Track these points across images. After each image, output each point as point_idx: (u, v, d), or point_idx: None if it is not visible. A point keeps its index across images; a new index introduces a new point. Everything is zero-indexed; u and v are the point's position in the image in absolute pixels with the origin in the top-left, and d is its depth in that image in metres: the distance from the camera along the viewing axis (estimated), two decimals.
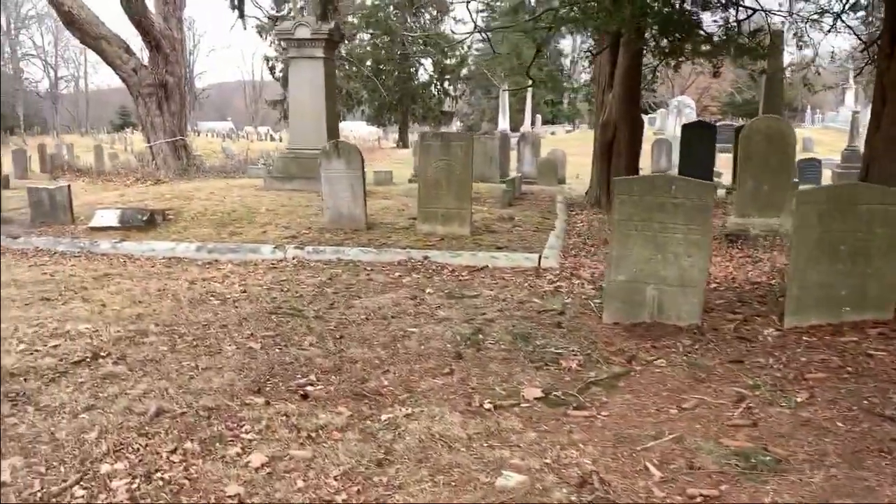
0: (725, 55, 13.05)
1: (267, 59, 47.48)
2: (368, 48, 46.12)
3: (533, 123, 39.87)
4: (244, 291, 6.42)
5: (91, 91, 74.86)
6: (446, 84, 56.72)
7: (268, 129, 71.60)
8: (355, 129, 53.53)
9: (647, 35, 11.62)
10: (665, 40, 12.01)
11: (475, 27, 13.68)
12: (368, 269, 7.47)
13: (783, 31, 15.45)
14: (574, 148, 24.29)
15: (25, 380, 4.13)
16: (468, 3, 14.05)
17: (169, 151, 20.28)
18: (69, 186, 9.42)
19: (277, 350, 4.65)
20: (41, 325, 5.26)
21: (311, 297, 6.22)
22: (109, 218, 9.02)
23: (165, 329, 5.15)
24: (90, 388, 4.02)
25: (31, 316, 5.51)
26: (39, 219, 9.31)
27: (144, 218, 9.01)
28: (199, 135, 47.83)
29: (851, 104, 45.26)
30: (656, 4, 10.18)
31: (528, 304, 5.91)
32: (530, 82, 15.20)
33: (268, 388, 4.01)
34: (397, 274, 7.24)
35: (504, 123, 33.87)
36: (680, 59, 13.38)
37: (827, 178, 18.19)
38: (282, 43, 15.03)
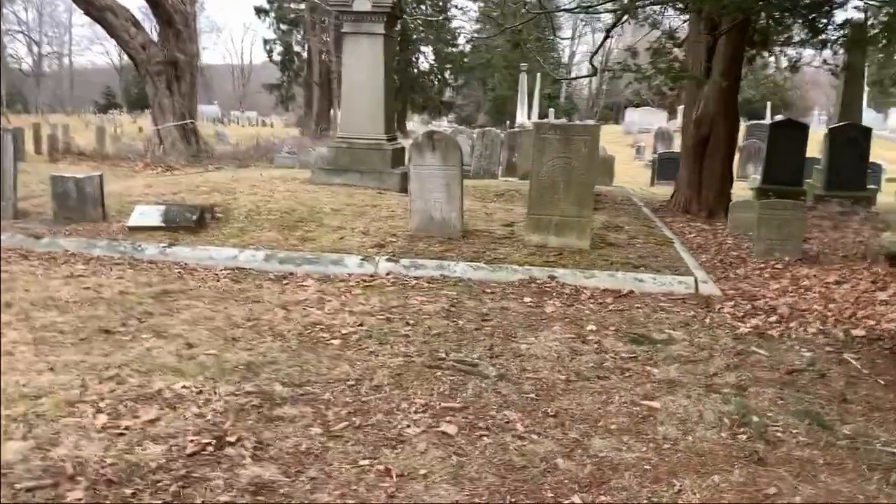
0: (821, 46, 11.70)
1: (265, 41, 45.64)
2: None
3: (545, 116, 38.26)
4: (360, 325, 4.93)
5: (74, 70, 72.42)
6: (447, 73, 55.26)
7: (255, 114, 69.71)
8: None
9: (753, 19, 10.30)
10: (768, 25, 10.71)
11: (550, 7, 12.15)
12: (488, 291, 6.03)
13: (866, 23, 14.15)
14: None
15: (135, 494, 2.64)
16: None
17: (178, 136, 18.71)
18: (101, 176, 7.84)
19: (487, 440, 3.19)
20: (118, 379, 3.76)
21: (453, 335, 4.76)
22: (152, 216, 7.48)
23: (297, 392, 3.67)
24: None
25: (97, 362, 4.00)
26: (64, 214, 7.73)
27: (195, 217, 7.48)
28: None
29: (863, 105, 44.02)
30: None
31: (754, 356, 4.49)
32: (594, 70, 13.75)
33: None
34: (527, 300, 5.81)
35: (522, 117, 32.26)
36: (769, 50, 12.10)
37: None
38: (336, 16, 13.47)
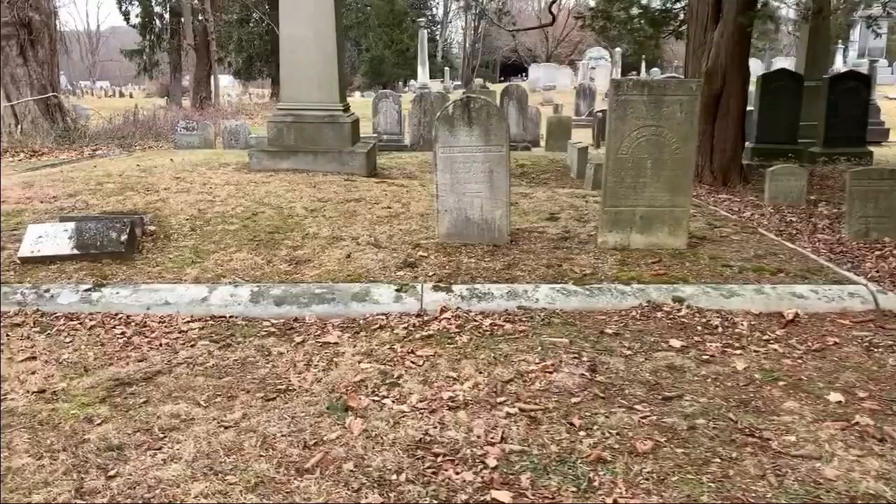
0: None
1: (120, 2, 40.79)
2: None
3: (435, 76, 36.10)
4: (502, 439, 2.88)
5: None
6: None
7: (108, 84, 63.91)
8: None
9: None
10: None
11: None
12: (610, 332, 4.10)
13: None
14: None
15: None
16: None
17: (40, 112, 15.50)
18: None
19: None
20: None
21: (684, 461, 2.79)
22: (57, 239, 4.99)
23: None
24: None
25: None
26: None
27: (123, 236, 5.05)
28: None
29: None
30: None
31: None
32: (553, 17, 11.87)
33: None
34: (678, 344, 3.94)
35: (424, 76, 29.92)
36: None
37: None
38: None
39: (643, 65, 46.57)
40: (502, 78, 58.97)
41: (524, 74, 54.94)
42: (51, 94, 15.74)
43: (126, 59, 45.80)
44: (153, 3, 41.40)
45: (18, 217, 5.95)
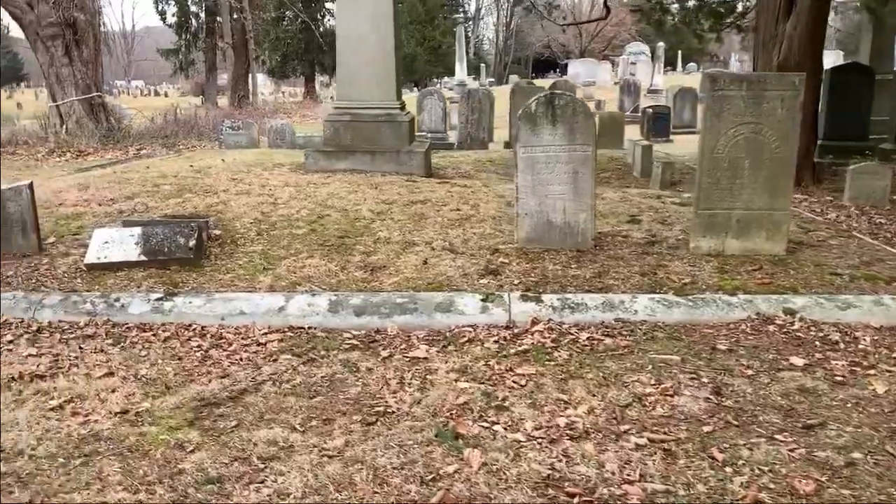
0: None
1: (157, 2, 41.03)
2: None
3: (478, 75, 35.66)
4: (641, 478, 2.57)
5: None
6: None
7: (143, 84, 64.57)
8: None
9: None
10: None
11: None
12: (722, 349, 3.78)
13: None
14: None
15: None
16: None
17: (84, 112, 15.43)
18: (31, 185, 5.00)
19: None
20: None
21: None
22: (124, 245, 4.77)
23: None
24: None
25: None
26: None
27: (192, 242, 4.82)
28: None
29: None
30: None
31: None
32: (607, 11, 11.47)
33: None
34: (800, 362, 3.62)
35: (462, 73, 29.56)
36: None
37: None
38: None
39: (679, 60, 45.77)
40: (534, 74, 58.45)
41: (557, 70, 54.35)
42: (95, 93, 15.70)
43: (162, 58, 46.09)
44: (189, 3, 41.60)
45: (79, 220, 5.78)
